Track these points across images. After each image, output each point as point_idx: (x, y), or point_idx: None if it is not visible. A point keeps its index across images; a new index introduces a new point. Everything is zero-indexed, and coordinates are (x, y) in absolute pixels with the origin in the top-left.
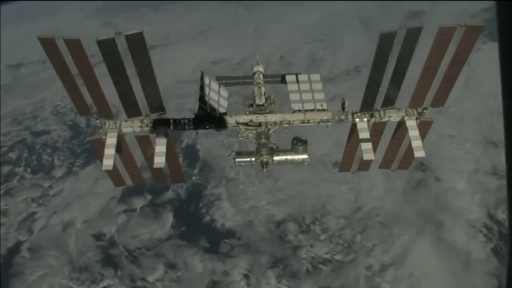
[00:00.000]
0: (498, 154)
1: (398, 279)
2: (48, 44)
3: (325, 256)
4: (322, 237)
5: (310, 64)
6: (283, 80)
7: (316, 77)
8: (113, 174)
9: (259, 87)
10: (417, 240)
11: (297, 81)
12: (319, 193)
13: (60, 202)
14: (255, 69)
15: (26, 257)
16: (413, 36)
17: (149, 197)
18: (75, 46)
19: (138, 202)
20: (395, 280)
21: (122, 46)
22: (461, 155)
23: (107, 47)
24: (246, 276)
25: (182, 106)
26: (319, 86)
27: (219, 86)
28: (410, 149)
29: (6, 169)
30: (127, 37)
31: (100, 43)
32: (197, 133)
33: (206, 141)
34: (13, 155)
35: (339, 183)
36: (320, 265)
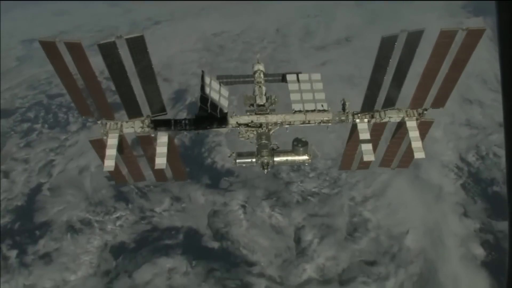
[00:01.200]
0: (472, 110)
1: (378, 208)
2: (48, 47)
3: (313, 190)
4: (311, 175)
5: (304, 35)
6: (283, 79)
7: (316, 76)
8: (115, 173)
9: (260, 87)
10: (396, 177)
11: (298, 80)
12: (309, 140)
13: (75, 151)
14: (256, 67)
15: (47, 195)
16: (414, 39)
17: None
18: (75, 49)
19: None
20: (375, 209)
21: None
22: (439, 111)
23: (108, 51)
24: (243, 206)
25: (185, 71)
26: (320, 85)
27: (220, 85)
28: (410, 148)
29: (25, 125)
30: (127, 40)
31: (101, 47)
32: (198, 134)
33: None
34: (31, 114)
35: (328, 132)
36: (309, 197)
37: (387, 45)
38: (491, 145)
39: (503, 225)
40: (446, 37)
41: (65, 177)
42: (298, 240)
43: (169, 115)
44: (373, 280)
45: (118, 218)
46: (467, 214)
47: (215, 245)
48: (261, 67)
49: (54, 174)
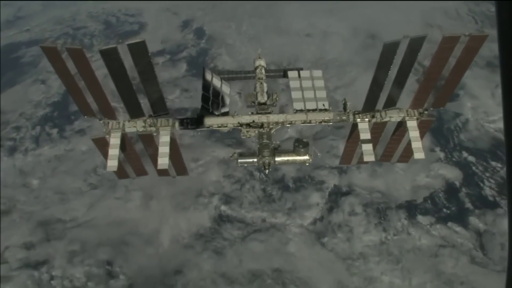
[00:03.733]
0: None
1: (347, 94)
2: (50, 52)
3: None
4: None
5: None
6: (285, 75)
7: (318, 73)
8: (117, 169)
9: (261, 83)
10: (364, 73)
11: (299, 77)
12: (294, 49)
13: (99, 64)
14: (257, 63)
15: None
16: (416, 44)
17: (168, 56)
18: (77, 54)
19: (159, 59)
20: (344, 94)
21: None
22: None
23: (110, 56)
24: (238, 93)
25: None
26: (321, 83)
27: (221, 82)
28: (410, 145)
29: None
30: (129, 46)
31: (103, 53)
32: (198, 133)
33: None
34: (59, 41)
35: (308, 44)
36: None
37: (389, 51)
38: None
39: None
40: (448, 43)
41: None
42: None
43: (171, 114)
44: None
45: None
46: None
47: None
48: (262, 62)
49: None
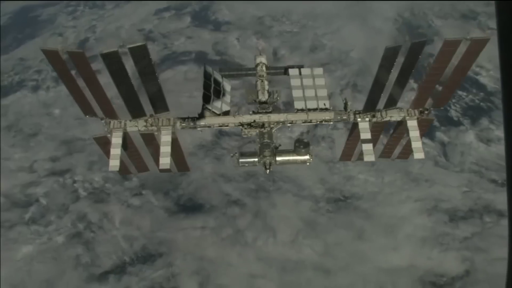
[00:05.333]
0: None
1: (333, 38)
2: (51, 55)
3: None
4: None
5: None
6: (286, 72)
7: (319, 71)
8: (120, 165)
9: (262, 81)
10: (348, 23)
11: (300, 75)
12: (287, 4)
13: (112, 19)
14: (258, 60)
15: (93, 43)
16: (417, 48)
17: (173, 11)
18: (78, 58)
19: (165, 14)
20: (331, 38)
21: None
22: None
23: (111, 59)
24: (237, 39)
25: None
26: (322, 81)
27: (222, 80)
28: (409, 143)
29: (70, 8)
30: (130, 49)
31: (104, 56)
32: (201, 131)
33: None
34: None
35: None
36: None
37: (390, 54)
38: None
39: None
40: (450, 46)
41: (105, 33)
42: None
43: (172, 113)
44: None
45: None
46: None
47: (217, 57)
48: (263, 59)
49: (97, 31)
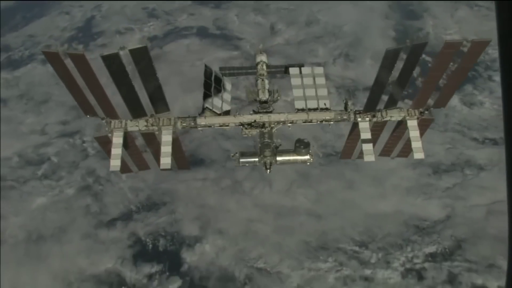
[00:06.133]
0: None
1: None
2: (52, 57)
3: None
4: None
5: None
6: (286, 71)
7: (319, 70)
8: (121, 164)
9: (263, 80)
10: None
11: (300, 74)
12: None
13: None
14: (258, 58)
15: (99, 20)
16: (418, 49)
17: None
18: (79, 60)
19: None
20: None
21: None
22: None
23: (112, 61)
24: (236, 16)
25: None
26: (322, 80)
27: (223, 79)
28: (409, 141)
29: None
30: (131, 51)
31: (105, 58)
32: (201, 131)
33: None
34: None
35: None
36: None
37: (391, 56)
38: None
39: None
40: (450, 48)
41: (111, 11)
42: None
43: (173, 113)
44: None
45: (151, 25)
46: None
47: (217, 32)
48: (264, 58)
49: (103, 10)
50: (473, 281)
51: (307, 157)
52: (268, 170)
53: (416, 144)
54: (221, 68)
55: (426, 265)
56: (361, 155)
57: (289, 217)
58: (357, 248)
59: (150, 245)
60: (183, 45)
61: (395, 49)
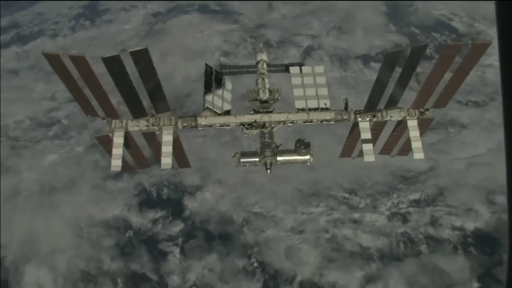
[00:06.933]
0: None
1: None
2: (53, 59)
3: None
4: None
5: None
6: (287, 70)
7: (320, 69)
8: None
9: (263, 79)
10: None
11: (301, 73)
12: None
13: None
14: (259, 57)
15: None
16: (419, 51)
17: None
18: (80, 62)
19: None
20: None
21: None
22: None
23: (112, 63)
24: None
25: None
26: (323, 79)
27: (223, 78)
28: (409, 141)
29: None
30: (132, 53)
31: (105, 60)
32: (201, 130)
33: None
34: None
35: None
36: None
37: (391, 59)
38: None
39: None
40: (451, 50)
41: None
42: None
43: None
44: None
45: (154, 3)
46: None
47: (218, 8)
48: (264, 56)
49: None
50: (452, 223)
51: (308, 157)
52: (269, 170)
53: (416, 144)
54: (222, 67)
55: (411, 209)
56: (361, 153)
57: (283, 168)
58: (347, 195)
59: (155, 194)
60: (185, 20)
61: (396, 51)
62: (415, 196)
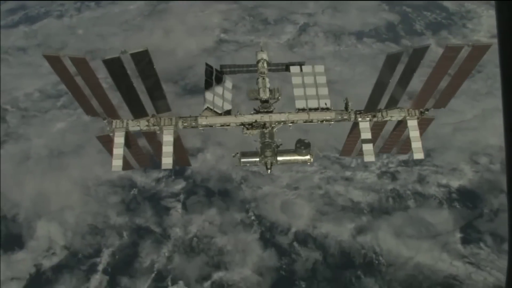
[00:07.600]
0: None
1: None
2: (53, 61)
3: None
4: None
5: None
6: (287, 69)
7: (320, 68)
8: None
9: (263, 78)
10: None
11: (301, 72)
12: None
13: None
14: (259, 56)
15: None
16: (419, 53)
17: None
18: (80, 63)
19: None
20: None
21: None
22: None
23: (113, 65)
24: None
25: None
26: (323, 79)
27: (224, 78)
28: (409, 140)
29: None
30: (132, 55)
31: (106, 62)
32: (202, 130)
33: None
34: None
35: None
36: None
37: (392, 60)
38: None
39: None
40: (451, 52)
41: None
42: None
43: (174, 113)
44: None
45: None
46: None
47: None
48: (264, 55)
49: None
50: (438, 181)
51: (308, 157)
52: (269, 170)
53: (416, 144)
54: (222, 66)
55: (399, 168)
56: (360, 153)
57: (279, 132)
58: (339, 155)
59: None
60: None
61: (396, 53)
62: (403, 156)
